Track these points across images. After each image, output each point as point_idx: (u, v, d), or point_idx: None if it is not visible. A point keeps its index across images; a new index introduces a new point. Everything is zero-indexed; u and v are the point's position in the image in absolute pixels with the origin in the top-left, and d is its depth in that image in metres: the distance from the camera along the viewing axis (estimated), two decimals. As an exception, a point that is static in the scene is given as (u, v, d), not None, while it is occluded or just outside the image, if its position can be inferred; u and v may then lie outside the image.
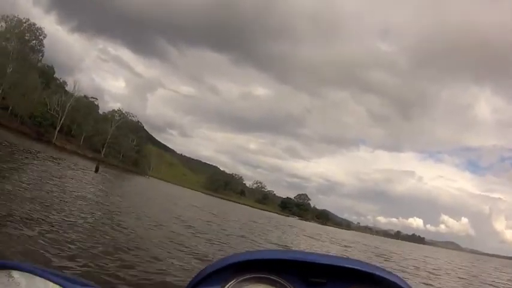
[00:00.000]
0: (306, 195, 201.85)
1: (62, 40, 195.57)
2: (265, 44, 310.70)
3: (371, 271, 1.16)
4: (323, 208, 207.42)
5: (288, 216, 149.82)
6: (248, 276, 1.15)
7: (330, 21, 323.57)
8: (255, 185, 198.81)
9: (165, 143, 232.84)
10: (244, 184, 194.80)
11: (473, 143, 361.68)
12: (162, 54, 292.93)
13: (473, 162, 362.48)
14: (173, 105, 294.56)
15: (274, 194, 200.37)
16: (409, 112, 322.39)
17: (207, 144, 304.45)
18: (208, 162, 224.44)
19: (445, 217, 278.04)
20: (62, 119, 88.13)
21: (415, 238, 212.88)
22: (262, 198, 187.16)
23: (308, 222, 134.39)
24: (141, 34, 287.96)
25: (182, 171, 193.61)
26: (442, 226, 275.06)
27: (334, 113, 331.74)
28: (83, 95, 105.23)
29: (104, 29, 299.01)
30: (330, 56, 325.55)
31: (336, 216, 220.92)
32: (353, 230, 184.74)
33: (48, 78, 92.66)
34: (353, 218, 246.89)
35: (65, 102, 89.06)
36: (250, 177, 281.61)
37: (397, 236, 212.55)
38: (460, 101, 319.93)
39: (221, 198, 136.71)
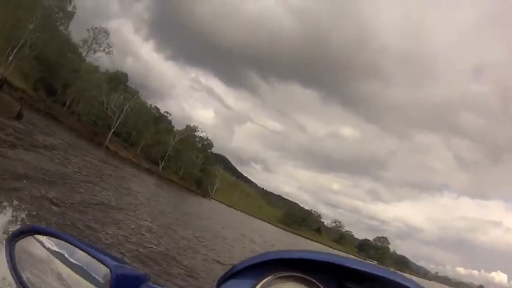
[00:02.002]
0: (386, 239, 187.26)
1: (157, 67, 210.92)
2: (355, 83, 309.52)
3: (407, 284, 1.05)
4: (401, 254, 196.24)
5: (365, 259, 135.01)
6: (285, 274, 1.09)
7: (420, 62, 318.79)
8: (333, 224, 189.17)
9: (247, 176, 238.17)
10: (322, 222, 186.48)
11: None
12: (253, 87, 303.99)
13: None
14: (259, 140, 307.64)
15: (352, 235, 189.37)
16: (500, 157, 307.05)
17: (289, 181, 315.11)
18: (287, 198, 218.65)
19: None
20: (118, 120, 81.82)
21: None
22: (338, 237, 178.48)
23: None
24: (233, 66, 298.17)
25: (259, 203, 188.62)
26: None
27: (420, 156, 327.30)
28: (152, 105, 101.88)
29: (198, 59, 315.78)
30: (419, 97, 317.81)
31: (413, 263, 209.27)
32: (430, 279, 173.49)
33: (118, 83, 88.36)
34: (430, 267, 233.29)
35: (123, 104, 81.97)
36: (329, 216, 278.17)
37: None
38: None
39: (294, 233, 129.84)
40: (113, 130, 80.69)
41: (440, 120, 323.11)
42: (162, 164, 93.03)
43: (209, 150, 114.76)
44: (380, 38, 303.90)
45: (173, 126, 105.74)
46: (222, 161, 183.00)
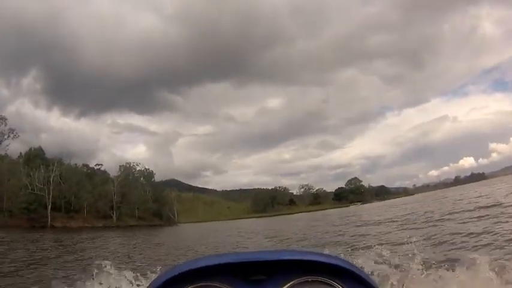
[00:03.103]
0: (357, 178, 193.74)
1: (73, 129, 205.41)
2: (260, 56, 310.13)
3: (310, 259, 1.15)
4: (379, 185, 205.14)
5: (348, 206, 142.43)
6: (192, 286, 1.15)
7: (310, 8, 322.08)
8: (302, 190, 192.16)
9: (203, 186, 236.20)
10: (291, 193, 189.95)
11: (492, 63, 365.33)
12: (168, 105, 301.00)
13: (499, 81, 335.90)
14: (197, 149, 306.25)
15: (325, 191, 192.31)
16: (420, 61, 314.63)
17: (244, 172, 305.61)
18: (249, 188, 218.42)
19: (493, 145, 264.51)
20: (50, 195, 78.19)
21: (475, 177, 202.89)
22: (314, 199, 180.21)
23: (371, 204, 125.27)
24: (141, 95, 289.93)
25: (225, 205, 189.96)
26: (494, 155, 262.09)
27: (349, 93, 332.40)
28: (77, 164, 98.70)
29: (106, 104, 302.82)
30: (323, 41, 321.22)
31: (390, 188, 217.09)
32: (412, 194, 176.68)
33: (35, 160, 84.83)
34: (406, 183, 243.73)
35: (48, 177, 78.28)
36: (295, 185, 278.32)
37: (457, 181, 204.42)
38: (462, 28, 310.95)
39: (270, 216, 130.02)
40: (49, 207, 77.00)
41: (352, 53, 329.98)
42: (115, 214, 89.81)
43: (153, 180, 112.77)
44: (267, 5, 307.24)
45: (109, 175, 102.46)
46: (174, 184, 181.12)
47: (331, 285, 1.25)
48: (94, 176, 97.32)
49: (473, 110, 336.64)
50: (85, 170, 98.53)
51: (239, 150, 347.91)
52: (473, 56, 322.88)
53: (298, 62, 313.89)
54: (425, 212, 27.39)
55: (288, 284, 1.23)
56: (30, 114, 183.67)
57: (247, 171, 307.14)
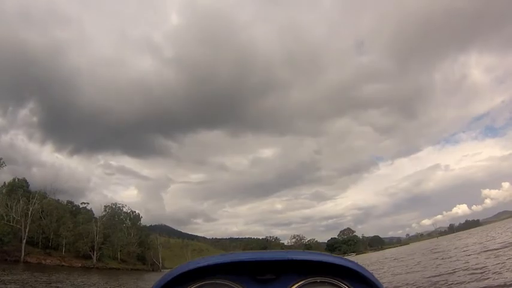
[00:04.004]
0: (350, 229, 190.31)
1: (65, 166, 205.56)
2: (254, 105, 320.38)
3: (318, 259, 1.19)
4: (372, 235, 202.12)
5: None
6: (193, 286, 1.18)
7: (304, 58, 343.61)
8: (293, 240, 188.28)
9: (193, 233, 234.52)
10: (282, 243, 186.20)
11: (482, 109, 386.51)
12: (162, 150, 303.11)
13: (489, 127, 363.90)
14: (189, 196, 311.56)
15: (317, 241, 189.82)
16: (411, 110, 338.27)
17: (235, 221, 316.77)
18: (240, 237, 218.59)
19: (485, 191, 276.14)
20: (27, 228, 74.12)
21: (470, 224, 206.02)
22: (305, 249, 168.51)
23: (366, 254, 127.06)
24: (135, 138, 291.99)
25: (214, 253, 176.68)
26: (487, 201, 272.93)
27: (342, 143, 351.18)
28: (59, 199, 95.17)
29: (100, 144, 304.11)
30: (317, 91, 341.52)
31: (383, 239, 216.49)
32: (406, 244, 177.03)
33: (17, 191, 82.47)
34: (399, 233, 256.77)
35: (27, 209, 74.48)
36: (286, 235, 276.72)
37: (451, 229, 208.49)
38: (453, 76, 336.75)
39: None
40: (24, 241, 72.60)
41: (346, 102, 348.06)
42: (95, 254, 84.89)
43: (139, 223, 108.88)
44: (261, 54, 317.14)
45: (94, 214, 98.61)
46: (164, 230, 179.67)
47: (339, 286, 1.28)
48: (78, 214, 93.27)
49: (464, 158, 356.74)
50: (69, 207, 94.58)
51: (231, 199, 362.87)
52: (464, 103, 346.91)
53: (291, 112, 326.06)
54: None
55: (297, 284, 1.26)
56: (23, 147, 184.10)
57: (238, 220, 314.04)
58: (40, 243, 78.79)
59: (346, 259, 1.26)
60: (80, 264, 78.33)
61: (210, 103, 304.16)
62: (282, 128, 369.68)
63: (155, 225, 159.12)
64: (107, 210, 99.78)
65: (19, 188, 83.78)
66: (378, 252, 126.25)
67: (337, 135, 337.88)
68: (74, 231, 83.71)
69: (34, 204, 77.47)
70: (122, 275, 66.42)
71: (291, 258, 1.20)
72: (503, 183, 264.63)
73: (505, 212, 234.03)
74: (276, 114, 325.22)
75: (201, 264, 1.20)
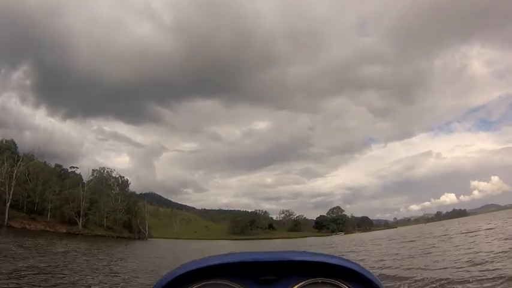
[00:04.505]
0: (339, 208, 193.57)
1: (57, 130, 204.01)
2: (252, 77, 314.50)
3: (320, 260, 1.20)
4: (361, 216, 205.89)
5: (330, 235, 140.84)
6: (193, 286, 1.18)
7: (306, 34, 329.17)
8: (282, 215, 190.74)
9: (182, 203, 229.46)
10: (271, 218, 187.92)
11: (479, 102, 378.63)
12: (156, 117, 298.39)
13: (484, 120, 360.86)
14: (181, 165, 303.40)
15: (305, 218, 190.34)
16: (409, 95, 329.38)
17: (225, 192, 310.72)
18: (229, 209, 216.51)
19: (474, 183, 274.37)
20: (11, 191, 72.09)
21: (456, 213, 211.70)
22: (294, 225, 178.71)
23: (354, 234, 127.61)
24: (130, 104, 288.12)
25: (203, 223, 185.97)
26: (475, 192, 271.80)
27: (337, 121, 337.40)
28: (46, 162, 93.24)
29: (94, 109, 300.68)
30: (316, 68, 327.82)
31: (371, 220, 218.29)
32: (393, 227, 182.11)
33: (3, 153, 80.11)
34: (386, 216, 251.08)
35: (12, 171, 72.85)
36: (275, 210, 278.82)
37: (439, 216, 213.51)
38: (453, 66, 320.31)
39: (248, 239, 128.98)
40: (8, 204, 71.30)
41: (344, 81, 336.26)
42: (81, 220, 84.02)
43: (127, 189, 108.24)
44: (263, 26, 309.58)
45: (82, 179, 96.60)
46: (154, 198, 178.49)
47: (340, 286, 1.28)
48: (66, 178, 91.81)
49: (457, 147, 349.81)
50: (57, 171, 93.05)
51: (222, 170, 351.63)
52: (462, 94, 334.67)
53: (289, 87, 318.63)
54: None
55: (298, 285, 1.26)
56: (16, 110, 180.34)
57: (228, 192, 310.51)
58: (25, 207, 77.50)
59: (347, 260, 1.26)
60: (65, 230, 77.36)
61: (208, 72, 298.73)
62: (278, 102, 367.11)
63: (145, 193, 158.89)
64: (95, 175, 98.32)
65: (6, 150, 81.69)
66: (366, 233, 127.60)
67: (332, 114, 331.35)
68: (60, 196, 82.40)
69: (19, 166, 75.67)
70: (106, 242, 65.31)
71: (292, 259, 1.20)
72: (492, 177, 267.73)
73: (492, 205, 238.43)
74: (273, 87, 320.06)
75: (202, 265, 1.18)
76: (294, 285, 1.25)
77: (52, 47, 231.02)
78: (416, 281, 12.41)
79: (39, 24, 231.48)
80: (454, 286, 10.62)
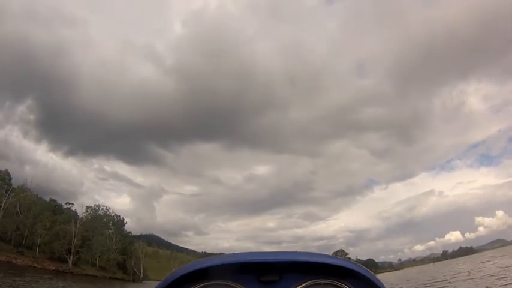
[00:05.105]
0: (343, 251, 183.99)
1: (59, 167, 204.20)
2: (253, 121, 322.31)
3: (322, 261, 1.22)
4: (366, 258, 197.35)
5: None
6: (196, 287, 1.21)
7: (305, 77, 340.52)
8: None
9: (183, 246, 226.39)
10: None
11: (478, 138, 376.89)
12: (157, 159, 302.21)
13: (485, 156, 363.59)
14: (181, 208, 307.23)
15: None
16: (409, 135, 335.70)
17: (226, 236, 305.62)
18: (230, 252, 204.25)
19: (479, 219, 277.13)
20: None
21: (464, 251, 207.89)
22: None
23: None
24: (131, 144, 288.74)
25: None
26: (481, 228, 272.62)
27: (339, 165, 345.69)
28: (37, 194, 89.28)
29: (95, 148, 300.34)
30: (316, 111, 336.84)
31: (375, 263, 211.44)
32: (398, 269, 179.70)
33: None
34: (391, 258, 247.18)
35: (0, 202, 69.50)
36: None
37: (445, 255, 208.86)
38: (451, 103, 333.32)
39: None
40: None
41: (344, 124, 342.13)
42: (72, 258, 79.01)
43: (123, 228, 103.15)
44: (263, 72, 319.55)
45: (77, 216, 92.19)
46: (154, 240, 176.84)
47: None
48: (60, 214, 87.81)
49: (459, 185, 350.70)
50: (52, 205, 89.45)
51: (223, 214, 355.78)
52: (461, 130, 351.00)
53: (289, 131, 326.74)
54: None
55: (300, 286, 1.26)
56: (18, 144, 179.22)
57: (229, 236, 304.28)
58: (13, 240, 73.29)
59: (349, 261, 1.25)
60: (53, 268, 72.65)
61: (208, 115, 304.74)
62: (278, 146, 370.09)
63: (145, 235, 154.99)
64: (89, 211, 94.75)
65: (0, 181, 78.88)
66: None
67: (333, 157, 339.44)
68: (50, 231, 78.00)
69: (8, 197, 72.77)
70: (96, 283, 61.32)
71: (294, 260, 1.21)
72: (497, 212, 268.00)
73: (498, 240, 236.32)
74: (273, 131, 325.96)
75: (204, 265, 1.20)
76: (295, 286, 1.25)
77: (57, 84, 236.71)
78: None
79: (46, 61, 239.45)
80: None
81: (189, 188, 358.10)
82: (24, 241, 75.21)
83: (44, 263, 73.79)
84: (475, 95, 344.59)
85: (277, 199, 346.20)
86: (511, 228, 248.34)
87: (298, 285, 1.23)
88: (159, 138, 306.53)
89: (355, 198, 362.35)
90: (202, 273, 1.19)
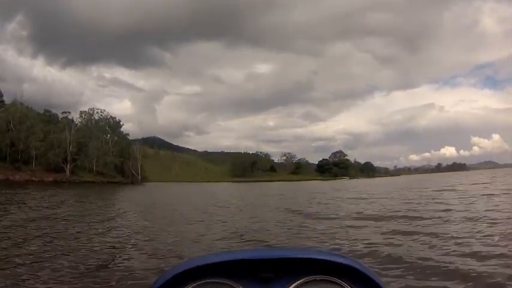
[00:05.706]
0: (342, 152, 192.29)
1: (57, 80, 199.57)
2: (255, 18, 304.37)
3: (319, 257, 1.20)
4: (365, 161, 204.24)
5: (334, 179, 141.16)
6: (191, 285, 1.19)
7: None
8: (284, 158, 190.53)
9: (184, 146, 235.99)
10: (273, 160, 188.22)
11: (486, 59, 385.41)
12: (157, 61, 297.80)
13: (490, 78, 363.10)
14: (183, 108, 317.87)
15: (307, 161, 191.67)
16: (415, 45, 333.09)
17: (226, 135, 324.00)
18: (230, 151, 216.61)
19: (475, 139, 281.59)
20: None
21: (456, 166, 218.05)
22: (295, 168, 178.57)
23: (360, 180, 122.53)
24: (130, 49, 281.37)
25: (203, 166, 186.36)
26: (475, 148, 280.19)
27: (341, 67, 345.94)
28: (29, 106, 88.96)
29: (93, 56, 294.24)
30: (322, 10, 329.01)
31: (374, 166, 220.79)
32: (392, 175, 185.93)
33: None
34: (386, 164, 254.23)
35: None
36: (277, 153, 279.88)
37: (439, 168, 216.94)
38: (464, 20, 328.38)
39: (249, 181, 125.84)
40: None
41: (350, 27, 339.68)
42: (69, 166, 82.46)
43: (119, 131, 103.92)
44: None
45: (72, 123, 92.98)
46: (156, 142, 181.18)
47: (339, 284, 1.27)
48: (54, 123, 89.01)
49: (460, 102, 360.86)
50: (46, 116, 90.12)
51: (224, 113, 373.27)
52: (470, 49, 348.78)
53: (293, 30, 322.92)
54: None
55: (297, 283, 1.25)
56: (13, 62, 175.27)
57: (230, 135, 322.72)
58: (8, 157, 75.91)
59: (346, 257, 1.23)
60: (51, 179, 76.38)
61: (209, 13, 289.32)
62: (281, 45, 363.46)
63: (147, 137, 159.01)
64: (83, 117, 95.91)
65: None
66: (372, 179, 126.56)
67: (336, 58, 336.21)
68: (45, 141, 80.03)
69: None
70: (94, 189, 62.19)
71: (290, 257, 1.20)
72: (493, 135, 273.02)
73: (490, 162, 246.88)
74: (276, 30, 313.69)
75: (201, 263, 1.18)
76: (293, 283, 1.23)
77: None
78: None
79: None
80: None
81: (190, 88, 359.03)
82: (19, 156, 77.43)
83: (42, 175, 77.16)
84: (491, 15, 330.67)
85: (278, 98, 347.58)
86: (505, 153, 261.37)
87: (295, 282, 1.22)
88: (159, 39, 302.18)
89: (355, 102, 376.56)
90: (198, 271, 1.17)
